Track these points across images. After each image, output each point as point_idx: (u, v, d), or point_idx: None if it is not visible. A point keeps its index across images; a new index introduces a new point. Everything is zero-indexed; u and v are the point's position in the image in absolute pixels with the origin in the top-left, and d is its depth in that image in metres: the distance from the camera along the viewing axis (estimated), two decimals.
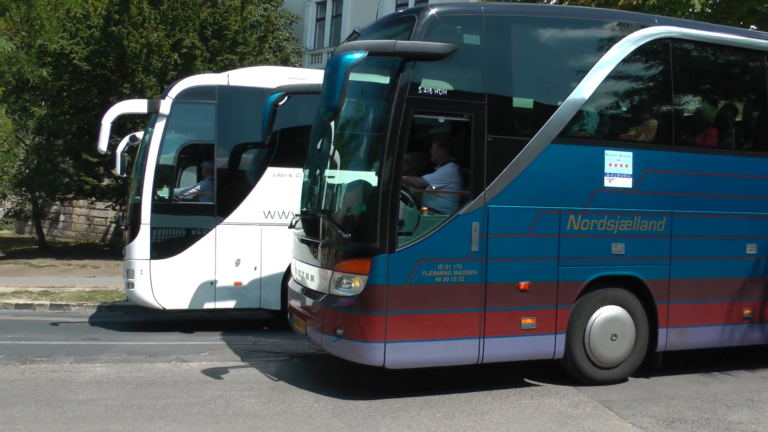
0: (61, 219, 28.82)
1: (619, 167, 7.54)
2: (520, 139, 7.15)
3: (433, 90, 6.84)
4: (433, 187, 7.23)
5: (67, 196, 21.55)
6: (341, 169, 7.39)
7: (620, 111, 7.94)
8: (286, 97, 8.78)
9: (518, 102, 7.26)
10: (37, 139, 21.38)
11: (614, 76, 7.60)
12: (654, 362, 7.93)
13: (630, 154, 7.59)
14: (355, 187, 7.16)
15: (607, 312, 7.56)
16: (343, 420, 6.35)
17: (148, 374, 7.76)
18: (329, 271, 7.08)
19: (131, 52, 17.89)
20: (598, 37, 7.67)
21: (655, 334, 7.77)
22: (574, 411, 6.73)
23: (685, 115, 8.29)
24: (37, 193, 21.76)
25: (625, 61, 7.64)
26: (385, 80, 6.94)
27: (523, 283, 7.12)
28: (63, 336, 10.21)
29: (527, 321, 7.16)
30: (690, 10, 12.41)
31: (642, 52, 7.76)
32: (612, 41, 7.59)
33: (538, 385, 7.52)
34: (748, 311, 8.29)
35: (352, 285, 6.78)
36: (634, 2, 12.50)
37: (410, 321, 6.78)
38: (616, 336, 7.56)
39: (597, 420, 6.49)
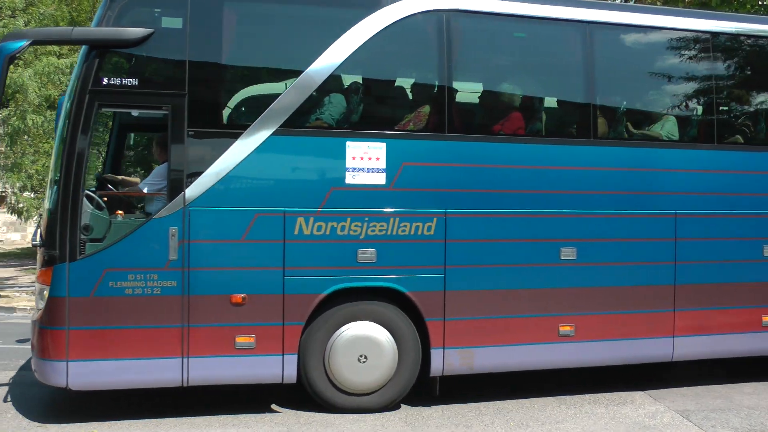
0: None
1: (366, 161, 6.50)
2: (231, 131, 6.31)
3: (122, 80, 6.17)
4: (144, 190, 6.54)
5: None
6: (53, 168, 6.84)
7: (372, 95, 6.88)
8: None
9: (229, 88, 6.42)
10: None
11: (364, 55, 6.56)
12: (434, 389, 6.81)
13: (383, 145, 6.52)
14: (50, 188, 6.61)
15: (354, 330, 6.53)
16: (417, 429, 6.16)
17: None
18: (36, 283, 6.59)
19: None
20: (342, 12, 6.66)
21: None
22: (651, 421, 6.48)
23: (468, 98, 7.05)
24: None
25: (380, 37, 6.57)
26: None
27: (236, 295, 6.27)
28: None
29: (243, 339, 6.30)
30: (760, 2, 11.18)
31: (405, 27, 6.66)
32: (362, 15, 6.55)
33: (613, 393, 7.29)
34: (566, 327, 6.95)
35: (44, 297, 6.23)
36: None
37: (97, 338, 6.13)
38: (365, 357, 6.51)
39: (676, 431, 6.23)
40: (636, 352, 7.24)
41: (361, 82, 6.69)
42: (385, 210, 6.52)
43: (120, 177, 7.11)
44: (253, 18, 6.65)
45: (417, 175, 6.59)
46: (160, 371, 6.20)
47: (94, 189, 6.73)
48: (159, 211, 6.18)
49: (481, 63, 7.19)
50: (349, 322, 6.53)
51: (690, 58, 7.49)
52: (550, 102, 7.29)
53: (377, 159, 6.50)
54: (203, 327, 6.22)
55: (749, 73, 7.89)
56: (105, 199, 6.43)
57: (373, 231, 6.49)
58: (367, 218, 6.47)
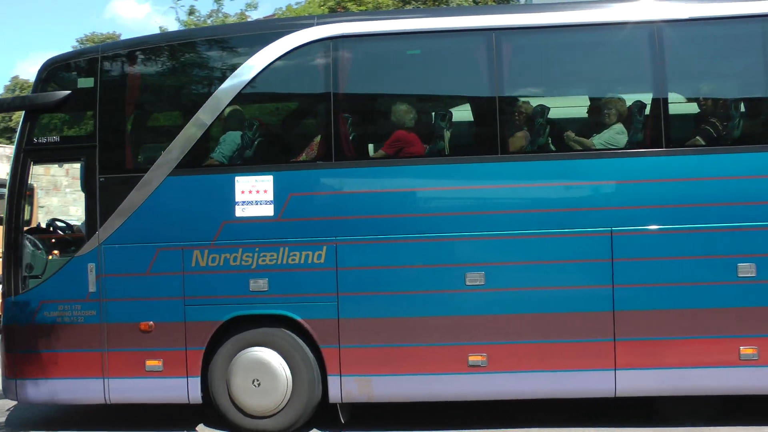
0: None
1: (254, 194, 6.77)
2: (134, 175, 6.97)
3: (47, 139, 7.14)
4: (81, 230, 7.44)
5: None
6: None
7: (263, 130, 7.08)
8: None
9: (133, 137, 7.09)
10: None
11: (251, 93, 6.90)
12: (340, 417, 6.85)
13: (270, 177, 6.76)
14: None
15: (249, 355, 6.82)
16: None
17: None
18: None
19: None
20: (232, 54, 7.01)
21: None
22: None
23: (358, 123, 6.96)
24: None
25: (268, 73, 6.82)
26: None
27: (144, 323, 6.90)
28: None
29: (152, 363, 6.90)
30: None
31: (292, 60, 6.84)
32: (249, 55, 6.86)
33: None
34: (477, 357, 6.59)
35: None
36: None
37: (36, 359, 7.12)
38: (258, 382, 6.77)
39: None
40: (567, 386, 6.57)
41: (251, 117, 6.97)
42: (273, 240, 6.70)
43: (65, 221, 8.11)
44: (152, 72, 7.25)
45: (304, 205, 6.70)
46: (86, 390, 7.01)
47: (34, 231, 7.75)
48: (80, 250, 7.01)
49: (371, 86, 7.05)
50: (248, 347, 6.81)
51: (612, 53, 6.65)
52: (456, 117, 6.90)
53: (264, 191, 6.73)
54: (119, 351, 6.93)
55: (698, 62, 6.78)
56: (53, 240, 7.41)
57: (263, 261, 6.72)
58: (257, 249, 6.72)
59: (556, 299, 6.52)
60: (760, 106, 6.79)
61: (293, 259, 6.67)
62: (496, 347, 6.55)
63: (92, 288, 6.92)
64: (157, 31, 23.68)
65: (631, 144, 6.64)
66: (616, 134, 6.62)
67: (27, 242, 7.15)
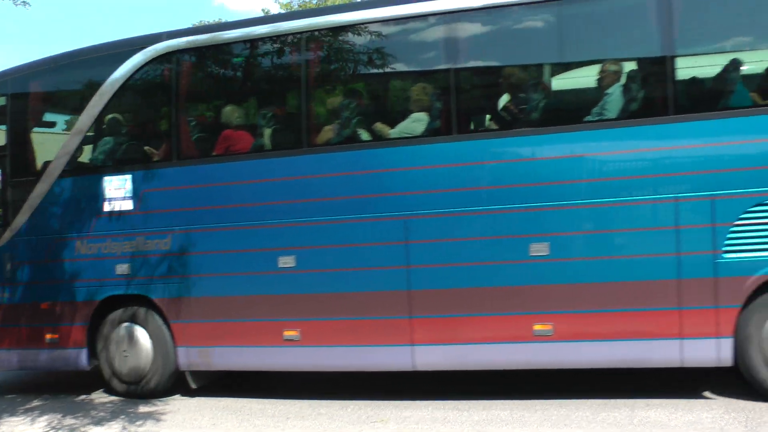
0: None
1: (119, 191, 7.92)
2: (35, 178, 8.35)
3: None
4: None
5: None
6: None
7: (128, 135, 8.16)
8: None
9: (37, 145, 8.47)
10: None
11: (114, 104, 8.01)
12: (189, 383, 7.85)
13: (129, 177, 7.88)
14: None
15: (121, 330, 7.97)
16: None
17: None
18: None
19: None
20: (97, 71, 8.11)
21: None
22: None
23: (196, 125, 7.87)
24: None
25: (127, 86, 7.93)
26: None
27: (43, 303, 8.26)
28: None
29: (51, 336, 8.23)
30: None
31: (144, 73, 7.90)
32: (111, 71, 7.99)
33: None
34: (291, 332, 7.36)
35: None
36: None
37: None
38: (126, 351, 7.91)
39: None
40: (371, 360, 7.12)
41: (119, 125, 8.09)
42: (133, 230, 7.82)
43: None
44: (41, 91, 8.57)
45: (154, 199, 7.74)
46: (8, 358, 8.49)
47: None
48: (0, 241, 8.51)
49: (207, 93, 7.92)
50: (121, 323, 7.96)
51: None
52: (273, 116, 7.60)
53: (126, 189, 7.85)
54: (27, 327, 8.34)
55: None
56: None
57: (125, 248, 7.85)
58: (121, 238, 7.87)
59: (357, 279, 7.06)
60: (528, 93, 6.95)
61: (147, 246, 7.74)
62: (308, 323, 7.23)
63: (8, 274, 8.37)
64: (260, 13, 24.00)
65: (427, 132, 7.03)
66: (411, 123, 7.03)
67: None
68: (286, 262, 7.24)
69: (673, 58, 6.43)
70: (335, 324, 7.16)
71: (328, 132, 7.32)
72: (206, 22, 30.68)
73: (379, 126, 7.20)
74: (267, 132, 7.50)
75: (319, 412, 6.96)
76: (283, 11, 23.31)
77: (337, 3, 21.99)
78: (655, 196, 6.42)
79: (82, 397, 8.05)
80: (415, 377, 7.36)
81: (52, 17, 58.60)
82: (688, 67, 6.62)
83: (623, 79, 6.66)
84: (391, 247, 6.98)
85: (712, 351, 6.38)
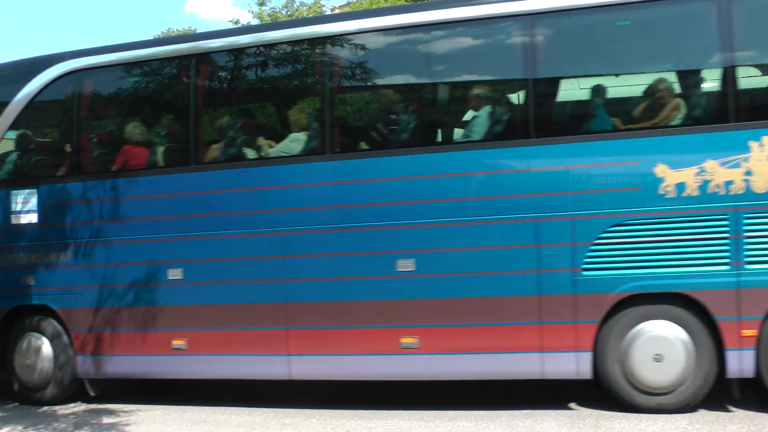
0: None
1: (25, 205, 8.27)
2: None
3: None
4: None
5: None
6: None
7: (34, 150, 8.51)
8: None
9: None
10: None
11: (22, 121, 8.36)
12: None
13: (35, 191, 8.23)
14: None
15: (25, 340, 8.25)
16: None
17: None
18: None
19: None
20: (7, 89, 8.44)
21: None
22: None
23: (97, 142, 8.23)
24: None
25: (33, 104, 8.24)
26: None
27: None
28: None
29: None
30: None
31: (50, 91, 8.22)
32: (18, 89, 8.32)
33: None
34: (179, 342, 7.65)
35: None
36: None
37: None
38: (29, 361, 8.20)
39: None
40: (252, 369, 7.40)
41: (28, 140, 8.45)
42: (38, 243, 8.16)
43: None
44: None
45: (57, 213, 8.08)
46: None
47: None
48: None
49: (107, 110, 8.28)
50: (29, 332, 8.24)
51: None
52: (166, 134, 7.94)
53: (31, 203, 8.21)
54: None
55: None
56: None
57: (31, 260, 8.20)
58: (27, 250, 8.21)
59: (240, 291, 7.36)
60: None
61: (50, 258, 8.07)
62: (194, 333, 7.53)
63: None
64: (230, 25, 24.09)
65: (305, 151, 7.34)
66: (290, 142, 7.34)
67: None
68: (175, 274, 7.54)
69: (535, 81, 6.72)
70: (219, 334, 7.44)
71: (214, 150, 7.62)
72: (175, 31, 31.24)
73: (262, 142, 7.50)
74: (160, 149, 7.82)
75: (284, 423, 6.97)
76: (256, 21, 23.67)
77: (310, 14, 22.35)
78: (517, 215, 6.66)
79: (45, 408, 8.15)
80: (378, 387, 7.53)
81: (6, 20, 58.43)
82: (550, 94, 6.91)
83: (488, 104, 6.93)
84: (270, 261, 7.26)
85: (572, 364, 6.60)
